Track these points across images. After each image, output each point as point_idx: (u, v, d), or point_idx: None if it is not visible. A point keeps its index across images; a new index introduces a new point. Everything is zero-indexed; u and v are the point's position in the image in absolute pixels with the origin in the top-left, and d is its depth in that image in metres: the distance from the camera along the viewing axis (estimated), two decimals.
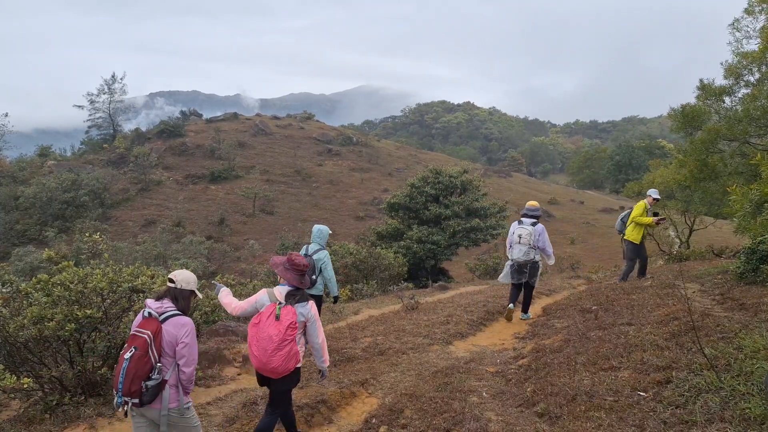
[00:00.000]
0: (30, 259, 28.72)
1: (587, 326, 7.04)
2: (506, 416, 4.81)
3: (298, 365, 4.56)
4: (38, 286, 6.63)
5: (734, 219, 7.75)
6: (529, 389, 5.33)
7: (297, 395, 6.15)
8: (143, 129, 74.91)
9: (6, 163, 57.32)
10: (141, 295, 6.88)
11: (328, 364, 4.92)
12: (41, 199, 45.02)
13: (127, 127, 78.01)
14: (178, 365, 4.06)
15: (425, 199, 25.43)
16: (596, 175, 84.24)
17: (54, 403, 6.44)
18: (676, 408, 4.03)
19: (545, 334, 7.72)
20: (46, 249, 13.66)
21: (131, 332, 4.04)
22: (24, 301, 6.72)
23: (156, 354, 3.94)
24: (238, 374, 7.64)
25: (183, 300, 4.25)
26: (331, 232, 8.30)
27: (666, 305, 7.00)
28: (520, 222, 8.63)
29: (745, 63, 13.60)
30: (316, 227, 7.99)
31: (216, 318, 10.37)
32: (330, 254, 8.09)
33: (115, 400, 3.94)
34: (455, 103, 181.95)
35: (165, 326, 4.04)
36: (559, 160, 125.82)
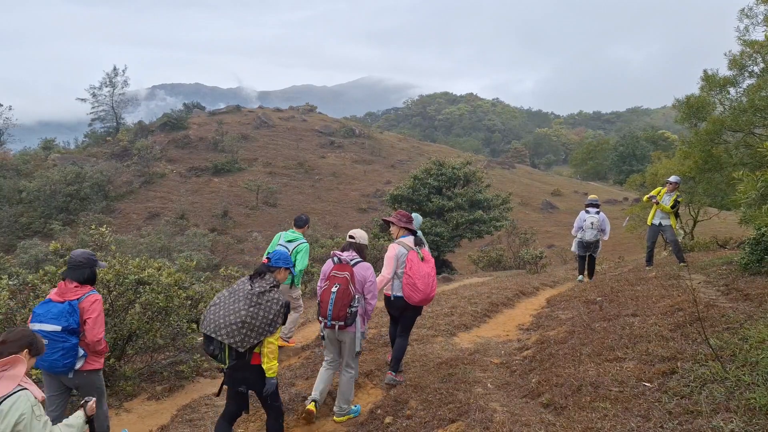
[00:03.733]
0: (35, 252, 28.83)
1: (592, 317, 7.05)
2: (511, 407, 4.83)
3: None
4: (46, 278, 6.66)
5: (741, 208, 7.73)
6: (533, 380, 5.35)
7: (303, 386, 6.19)
8: (146, 122, 74.82)
9: (10, 157, 57.41)
10: (147, 287, 6.91)
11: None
12: (45, 192, 45.07)
13: (130, 119, 78.02)
14: (366, 298, 5.33)
15: (428, 191, 25.39)
16: (600, 167, 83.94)
17: None
18: (681, 398, 4.04)
19: (549, 325, 7.74)
20: (53, 242, 13.69)
21: (330, 274, 5.24)
22: (31, 293, 6.76)
23: (354, 288, 5.17)
24: None
25: (363, 251, 5.52)
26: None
27: (671, 296, 7.01)
28: (587, 211, 10.85)
29: (750, 52, 13.51)
30: (419, 217, 9.89)
31: None
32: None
33: (322, 324, 5.26)
34: (458, 95, 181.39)
35: (355, 269, 5.27)
36: (562, 151, 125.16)
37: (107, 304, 6.51)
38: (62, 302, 4.50)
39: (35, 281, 6.83)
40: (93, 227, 15.29)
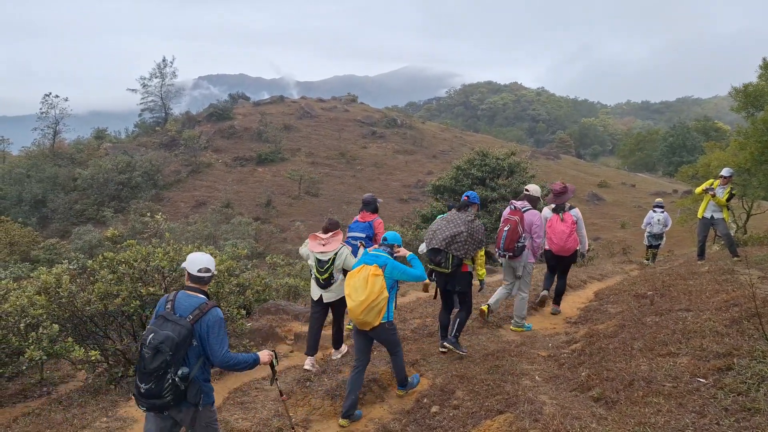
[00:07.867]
0: (89, 238, 29.94)
1: (642, 312, 6.91)
2: (560, 400, 4.79)
3: (578, 247, 7.81)
4: (104, 263, 6.91)
5: None
6: (583, 374, 5.29)
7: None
8: (191, 111, 76.36)
9: (65, 146, 59.61)
10: None
11: (587, 248, 8.31)
12: (98, 180, 46.70)
13: (176, 109, 79.72)
14: (532, 237, 7.09)
15: (471, 182, 25.10)
16: (649, 158, 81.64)
17: (119, 374, 6.74)
18: (737, 395, 3.94)
19: (598, 319, 7.62)
20: (110, 228, 14.22)
21: (504, 218, 7.10)
22: (90, 277, 7.03)
23: (522, 229, 6.92)
24: (291, 351, 7.79)
25: (534, 201, 7.35)
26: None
27: (725, 291, 6.81)
28: (654, 210, 13.49)
29: None
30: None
31: (267, 297, 10.62)
32: None
33: (497, 254, 7.16)
34: (501, 84, 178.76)
35: (525, 215, 7.05)
36: (609, 141, 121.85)
37: (162, 290, 6.74)
38: (364, 222, 7.22)
39: (94, 266, 7.09)
40: (147, 215, 15.79)
